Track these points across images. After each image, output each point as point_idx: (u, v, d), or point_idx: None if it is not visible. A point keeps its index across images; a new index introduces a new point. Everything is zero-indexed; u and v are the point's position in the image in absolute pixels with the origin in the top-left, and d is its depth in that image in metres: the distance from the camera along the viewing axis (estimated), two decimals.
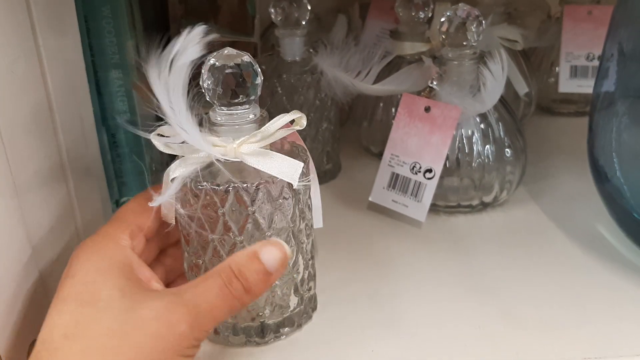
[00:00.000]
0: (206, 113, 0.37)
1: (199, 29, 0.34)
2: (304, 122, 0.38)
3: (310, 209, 0.40)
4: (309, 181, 0.37)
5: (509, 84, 0.61)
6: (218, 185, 0.36)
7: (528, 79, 0.68)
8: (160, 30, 0.59)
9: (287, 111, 0.38)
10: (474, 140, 0.52)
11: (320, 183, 0.60)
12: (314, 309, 0.43)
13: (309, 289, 0.42)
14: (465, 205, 0.54)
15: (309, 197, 0.40)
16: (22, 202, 0.38)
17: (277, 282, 0.39)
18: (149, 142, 0.54)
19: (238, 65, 0.35)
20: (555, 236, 0.51)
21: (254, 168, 0.36)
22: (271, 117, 0.37)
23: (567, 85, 0.71)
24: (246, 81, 0.35)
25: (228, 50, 0.36)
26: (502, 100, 0.53)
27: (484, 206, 0.55)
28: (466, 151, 0.52)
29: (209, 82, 0.35)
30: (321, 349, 0.40)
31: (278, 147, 0.38)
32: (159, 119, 0.36)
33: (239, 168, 0.36)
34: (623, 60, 0.46)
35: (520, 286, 0.45)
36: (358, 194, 0.58)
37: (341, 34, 0.64)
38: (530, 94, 0.69)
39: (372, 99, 0.64)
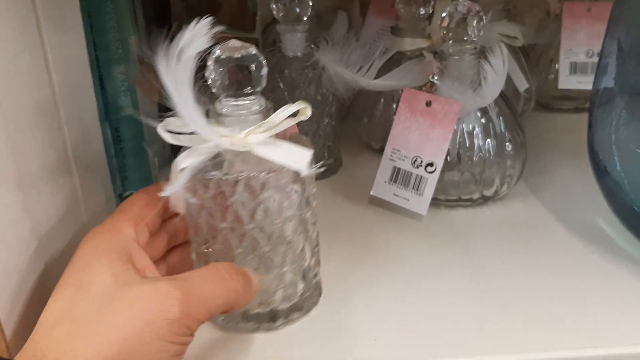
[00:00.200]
0: (212, 105, 0.37)
1: (205, 22, 0.35)
2: (309, 112, 0.39)
3: (315, 197, 0.41)
4: (317, 169, 0.37)
5: (508, 80, 0.61)
6: (227, 175, 0.36)
7: (528, 75, 0.68)
8: (162, 26, 0.60)
9: None
10: (474, 134, 0.52)
11: (321, 178, 0.62)
12: (320, 294, 0.44)
13: (315, 275, 0.43)
14: (465, 199, 0.55)
15: (314, 186, 0.40)
16: (27, 196, 0.39)
17: (286, 269, 0.40)
18: (151, 137, 0.55)
19: (244, 56, 0.36)
20: (555, 229, 0.51)
21: (258, 158, 0.36)
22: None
23: (567, 81, 0.71)
24: (252, 72, 0.36)
25: (233, 42, 0.36)
26: (503, 95, 0.53)
27: (485, 200, 0.55)
28: (467, 145, 0.53)
29: (215, 74, 0.36)
30: (325, 339, 0.40)
31: (281, 137, 0.39)
32: (162, 114, 0.36)
33: (243, 158, 0.37)
34: (622, 56, 0.47)
35: (520, 279, 0.45)
36: (359, 188, 0.58)
37: (342, 31, 0.65)
38: (530, 90, 0.69)
39: (372, 95, 0.64)
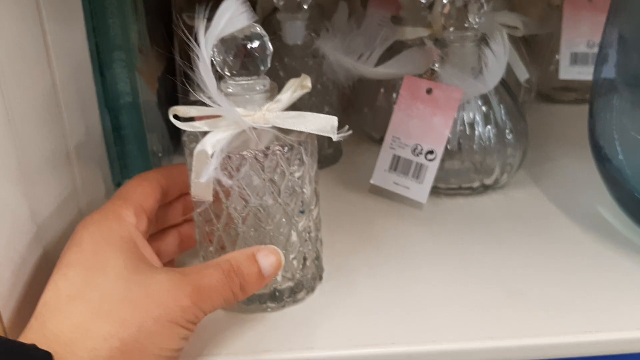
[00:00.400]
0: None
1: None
2: (309, 84, 0.39)
3: (317, 177, 0.41)
4: (344, 133, 0.37)
5: (509, 71, 0.61)
6: (264, 150, 0.36)
7: (529, 66, 0.68)
8: (162, 14, 0.59)
9: None
10: (475, 122, 0.52)
11: (321, 167, 0.61)
12: (322, 273, 0.44)
13: (317, 256, 0.43)
14: (466, 188, 0.54)
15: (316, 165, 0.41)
16: (26, 182, 0.39)
17: (289, 249, 0.40)
18: (150, 125, 0.54)
19: (248, 36, 0.36)
20: (556, 218, 0.51)
21: (256, 137, 0.36)
22: None
23: (568, 72, 0.71)
24: (257, 51, 0.36)
25: None
26: (504, 84, 0.53)
27: (485, 189, 0.55)
28: (467, 134, 0.52)
29: (221, 54, 0.36)
30: (325, 323, 0.40)
31: None
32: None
33: (243, 138, 0.36)
34: (622, 46, 0.46)
35: (521, 266, 0.45)
36: (359, 178, 0.58)
37: (342, 21, 0.64)
38: (531, 80, 0.69)
39: (372, 85, 0.64)
